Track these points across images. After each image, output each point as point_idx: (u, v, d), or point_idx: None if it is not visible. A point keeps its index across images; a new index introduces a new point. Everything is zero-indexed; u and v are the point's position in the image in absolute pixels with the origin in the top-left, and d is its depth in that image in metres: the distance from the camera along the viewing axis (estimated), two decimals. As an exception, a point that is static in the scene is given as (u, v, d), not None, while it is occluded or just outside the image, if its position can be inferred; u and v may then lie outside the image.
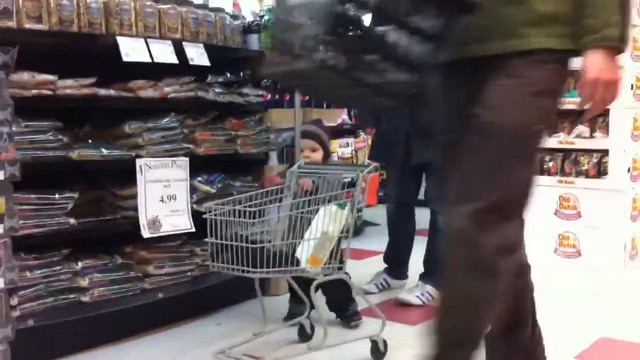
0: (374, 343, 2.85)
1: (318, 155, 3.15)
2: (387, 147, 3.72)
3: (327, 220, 2.58)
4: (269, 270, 2.52)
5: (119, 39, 3.04)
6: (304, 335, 3.03)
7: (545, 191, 4.59)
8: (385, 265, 3.92)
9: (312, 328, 3.04)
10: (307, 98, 4.19)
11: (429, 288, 3.62)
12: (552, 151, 4.71)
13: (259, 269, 2.50)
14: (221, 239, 2.56)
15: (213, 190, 3.45)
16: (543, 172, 4.71)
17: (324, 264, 2.62)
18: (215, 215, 2.60)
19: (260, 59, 3.87)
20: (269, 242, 2.66)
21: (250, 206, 2.64)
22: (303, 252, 2.59)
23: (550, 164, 4.72)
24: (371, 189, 5.43)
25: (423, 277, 3.68)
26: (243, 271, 2.54)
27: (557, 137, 4.67)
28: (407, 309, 3.52)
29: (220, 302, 3.51)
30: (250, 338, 2.96)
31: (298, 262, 2.57)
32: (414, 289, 3.65)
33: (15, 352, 2.46)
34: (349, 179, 2.70)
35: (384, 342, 2.86)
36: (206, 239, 2.62)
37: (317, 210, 2.67)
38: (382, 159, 3.84)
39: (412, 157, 3.58)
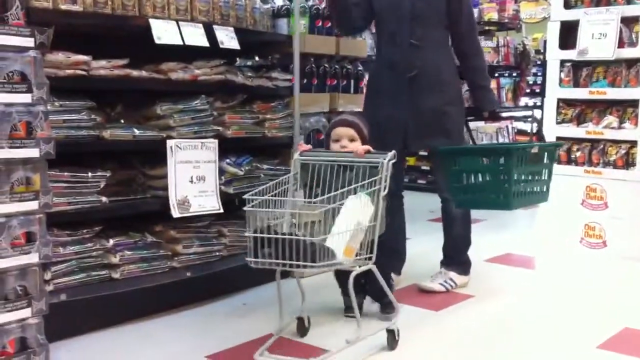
0: (390, 333, 2.82)
1: (356, 145, 2.82)
2: (382, 136, 3.39)
3: (359, 210, 2.51)
4: (314, 265, 2.40)
5: (152, 21, 3.08)
6: (302, 329, 2.97)
7: (572, 181, 4.57)
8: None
9: (309, 321, 2.99)
10: (334, 82, 4.20)
11: (452, 274, 3.64)
12: (580, 141, 4.68)
13: (309, 262, 2.39)
14: (261, 232, 2.43)
15: (241, 173, 3.49)
16: (570, 161, 4.69)
17: (355, 255, 2.56)
18: (253, 206, 2.50)
19: (289, 43, 3.90)
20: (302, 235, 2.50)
21: (278, 194, 2.63)
22: (337, 243, 2.48)
23: (578, 154, 4.69)
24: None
25: (444, 264, 3.69)
26: (292, 266, 2.42)
27: (585, 127, 4.64)
28: (430, 295, 3.53)
29: (247, 283, 3.56)
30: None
31: (334, 254, 2.46)
32: (437, 275, 3.65)
33: (48, 325, 2.53)
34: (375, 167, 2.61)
35: (398, 331, 2.85)
36: (246, 233, 2.48)
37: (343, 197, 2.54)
38: (377, 147, 3.69)
39: (410, 145, 3.46)
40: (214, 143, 3.32)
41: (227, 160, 3.46)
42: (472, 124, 6.05)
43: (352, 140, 2.84)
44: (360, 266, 2.59)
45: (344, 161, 2.69)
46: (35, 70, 2.55)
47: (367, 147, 2.75)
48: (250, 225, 2.47)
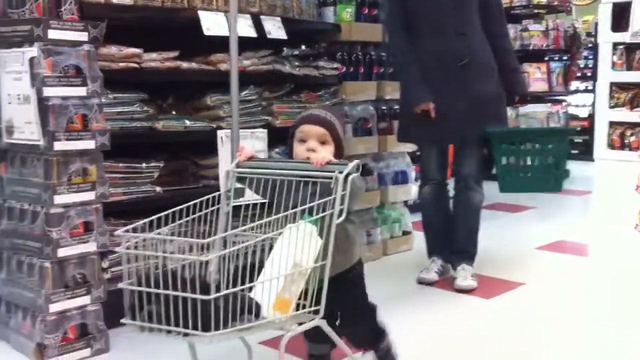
0: None
1: (327, 151, 2.03)
2: (433, 125, 3.34)
3: (300, 245, 1.76)
4: (222, 333, 1.66)
5: (201, 13, 3.12)
6: None
7: (625, 166, 4.46)
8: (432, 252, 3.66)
9: None
10: (381, 70, 4.18)
11: (470, 268, 3.48)
12: (634, 125, 4.56)
13: (199, 331, 1.63)
14: (147, 284, 1.65)
15: (289, 162, 3.52)
16: (624, 146, 4.58)
17: (296, 308, 1.82)
18: (137, 247, 1.73)
19: (336, 32, 3.90)
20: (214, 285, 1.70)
21: (184, 232, 1.91)
22: (265, 293, 1.75)
23: (632, 138, 4.56)
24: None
25: (461, 259, 3.51)
26: (181, 332, 1.66)
27: (639, 111, 4.52)
28: (480, 283, 3.50)
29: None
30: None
31: (259, 310, 1.73)
32: (461, 272, 3.45)
33: (107, 312, 2.61)
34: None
35: None
36: (121, 284, 1.72)
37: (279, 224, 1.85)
38: (418, 139, 3.59)
39: (462, 133, 3.36)
40: (263, 133, 3.35)
41: (276, 150, 3.49)
42: (521, 109, 5.99)
43: (323, 143, 2.04)
44: (300, 324, 1.86)
45: (289, 174, 1.94)
46: (90, 63, 2.63)
47: (327, 156, 1.95)
48: (128, 274, 1.71)
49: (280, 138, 3.51)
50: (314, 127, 2.05)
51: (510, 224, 4.95)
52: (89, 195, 2.59)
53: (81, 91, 2.59)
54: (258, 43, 3.42)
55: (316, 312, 1.88)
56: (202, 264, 1.75)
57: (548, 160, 3.16)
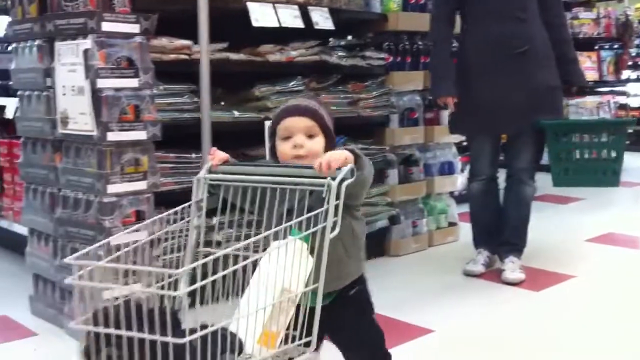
0: None
1: (317, 144, 1.75)
2: (482, 117, 3.29)
3: (289, 266, 1.49)
4: None
5: (249, 4, 3.14)
6: None
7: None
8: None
9: None
10: (428, 59, 4.14)
11: (519, 261, 3.44)
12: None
13: None
14: (106, 322, 1.33)
15: (336, 152, 3.52)
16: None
17: (284, 341, 1.52)
18: (92, 277, 1.38)
19: (383, 22, 3.89)
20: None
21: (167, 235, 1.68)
22: (249, 327, 1.45)
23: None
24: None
25: (509, 251, 3.46)
26: None
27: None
28: (530, 275, 3.45)
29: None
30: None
31: (242, 348, 1.46)
32: (509, 264, 3.40)
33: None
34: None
35: None
36: (72, 324, 1.39)
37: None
38: (471, 130, 3.47)
39: (515, 124, 3.29)
40: (309, 123, 3.35)
41: (323, 140, 3.50)
42: (570, 99, 5.85)
43: (310, 136, 1.74)
44: (291, 358, 1.57)
45: (272, 182, 1.60)
46: (142, 55, 2.67)
47: (339, 153, 1.57)
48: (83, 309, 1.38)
49: (327, 128, 3.54)
50: (297, 119, 1.73)
51: (560, 215, 4.87)
52: (141, 185, 2.64)
53: (133, 82, 2.63)
54: (305, 34, 3.43)
55: (307, 344, 1.54)
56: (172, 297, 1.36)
57: (605, 153, 3.06)
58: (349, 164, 1.54)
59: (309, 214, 1.49)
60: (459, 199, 4.46)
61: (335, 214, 1.50)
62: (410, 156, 4.01)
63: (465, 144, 4.21)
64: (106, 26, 2.57)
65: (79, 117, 2.62)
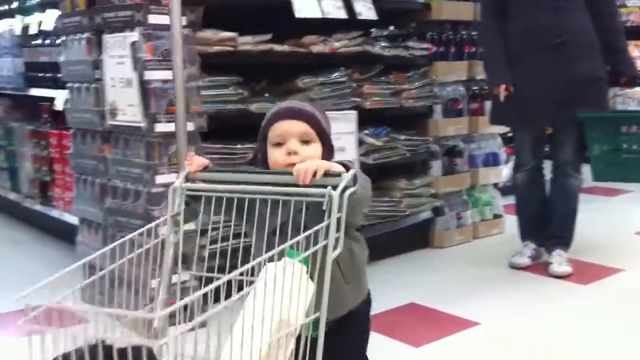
0: None
1: (312, 151, 1.54)
2: (523, 109, 3.22)
3: (287, 294, 1.27)
4: None
5: (292, -5, 3.14)
6: None
7: None
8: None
9: None
10: (472, 49, 4.10)
11: (566, 254, 3.37)
12: None
13: None
14: None
15: (379, 143, 3.52)
16: None
17: None
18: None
19: (426, 11, 3.85)
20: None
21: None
22: None
23: None
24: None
25: (556, 245, 3.40)
26: None
27: None
28: (575, 269, 3.39)
29: (386, 252, 3.60)
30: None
31: None
32: (556, 257, 3.34)
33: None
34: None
35: None
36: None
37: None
38: (516, 121, 3.39)
39: (558, 115, 3.21)
40: (353, 114, 3.35)
41: (366, 131, 3.49)
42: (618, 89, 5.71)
43: (305, 142, 1.54)
44: None
45: (260, 192, 1.41)
46: (188, 47, 2.69)
47: (324, 163, 1.39)
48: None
49: (370, 120, 3.53)
50: (291, 124, 1.54)
51: (608, 208, 4.77)
52: (188, 176, 2.67)
53: (180, 74, 2.66)
54: (348, 24, 3.42)
55: None
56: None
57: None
58: (350, 170, 1.34)
59: (308, 231, 1.27)
60: (504, 190, 4.41)
61: (338, 229, 1.29)
62: (454, 147, 3.98)
63: (510, 135, 4.15)
64: (153, 19, 2.61)
65: (127, 109, 2.66)
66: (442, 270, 3.46)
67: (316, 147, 1.54)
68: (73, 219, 3.36)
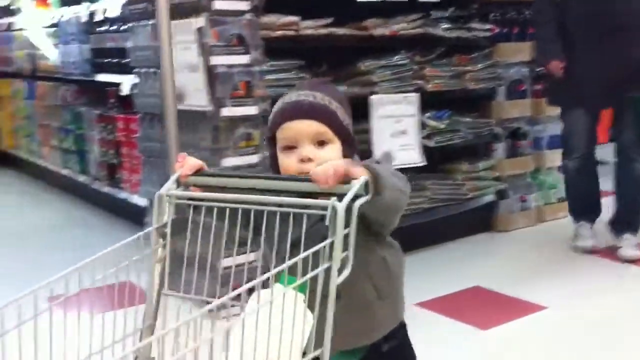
0: None
1: (330, 154, 1.28)
2: (581, 88, 3.18)
3: (278, 329, 1.06)
4: None
5: (354, -22, 3.14)
6: None
7: None
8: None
9: None
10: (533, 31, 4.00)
11: (634, 238, 3.30)
12: None
13: None
14: None
15: (442, 126, 3.49)
16: None
17: None
18: None
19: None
20: None
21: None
22: None
23: None
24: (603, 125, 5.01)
25: (621, 230, 3.33)
26: None
27: None
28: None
29: (451, 235, 3.58)
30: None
31: None
32: (627, 242, 3.27)
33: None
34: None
35: None
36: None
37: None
38: (568, 103, 3.34)
39: (616, 98, 3.16)
40: (415, 97, 3.33)
41: (428, 114, 3.47)
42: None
43: (321, 143, 1.29)
44: None
45: (259, 201, 1.15)
46: (251, 32, 2.73)
47: (337, 165, 1.11)
48: None
49: (432, 103, 3.50)
50: (301, 124, 1.28)
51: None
52: (254, 159, 2.72)
53: (244, 59, 2.70)
54: (407, 7, 3.39)
55: None
56: None
57: None
58: (361, 177, 1.09)
59: (307, 252, 1.04)
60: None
61: (345, 248, 1.06)
62: (518, 129, 3.91)
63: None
64: (218, 4, 2.64)
65: (193, 94, 2.71)
66: (506, 253, 3.43)
67: (334, 148, 1.29)
68: (141, 201, 3.46)
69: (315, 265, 1.05)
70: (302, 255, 1.05)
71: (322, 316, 1.05)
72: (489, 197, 3.75)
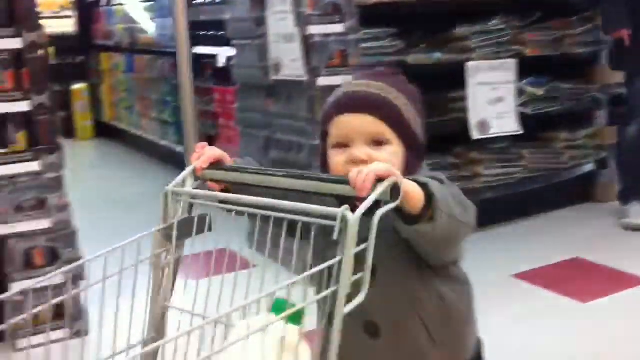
0: None
1: (387, 156, 1.08)
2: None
3: None
4: None
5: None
6: None
7: None
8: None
9: None
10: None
11: None
12: None
13: None
14: None
15: (541, 93, 3.39)
16: None
17: None
18: None
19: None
20: None
21: None
22: None
23: None
24: None
25: None
26: None
27: None
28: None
29: (547, 205, 3.50)
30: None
31: None
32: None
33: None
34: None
35: None
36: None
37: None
38: (636, 68, 3.25)
39: None
40: (512, 63, 3.25)
41: (526, 81, 3.38)
42: None
43: (378, 143, 1.10)
44: None
45: (279, 208, 0.96)
46: (347, 0, 2.72)
47: (387, 171, 0.90)
48: None
49: (531, 68, 3.40)
50: (355, 119, 1.10)
51: None
52: (349, 128, 2.73)
53: (340, 28, 2.70)
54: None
55: None
56: None
57: None
58: (389, 179, 0.89)
59: (305, 273, 0.88)
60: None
61: (360, 268, 0.87)
62: (621, 95, 3.74)
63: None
64: (314, -27, 2.65)
65: (290, 64, 2.75)
66: (606, 224, 3.31)
67: (393, 151, 1.09)
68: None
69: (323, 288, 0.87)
70: (298, 277, 0.87)
71: (324, 354, 0.87)
72: (589, 167, 3.62)
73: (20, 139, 2.33)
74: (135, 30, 5.63)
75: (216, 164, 1.09)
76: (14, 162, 2.28)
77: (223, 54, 3.76)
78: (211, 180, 1.09)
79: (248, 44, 3.06)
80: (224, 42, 3.61)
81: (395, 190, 0.89)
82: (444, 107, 3.25)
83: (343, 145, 1.10)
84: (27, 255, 2.32)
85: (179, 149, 4.80)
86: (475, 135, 3.15)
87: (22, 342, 2.04)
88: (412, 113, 1.12)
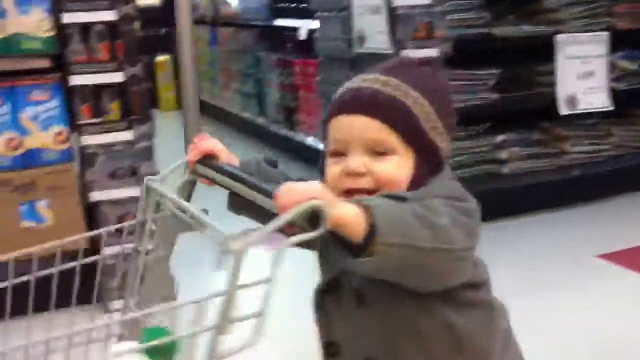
0: None
1: (391, 167, 0.92)
2: None
3: None
4: None
5: None
6: None
7: None
8: None
9: None
10: None
11: None
12: None
13: None
14: None
15: (634, 67, 3.25)
16: None
17: None
18: None
19: None
20: None
21: None
22: None
23: None
24: None
25: None
26: None
27: None
28: None
29: (636, 184, 3.36)
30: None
31: None
32: None
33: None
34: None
35: None
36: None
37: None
38: None
39: None
40: (604, 36, 3.12)
41: (619, 55, 3.24)
42: None
43: (380, 153, 0.92)
44: None
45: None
46: (433, -28, 2.68)
47: (313, 192, 0.75)
48: None
49: (624, 42, 3.26)
50: (356, 121, 0.93)
51: None
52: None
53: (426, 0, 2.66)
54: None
55: None
56: None
57: None
58: (309, 202, 0.73)
59: (193, 300, 0.72)
60: None
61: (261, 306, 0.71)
62: None
63: None
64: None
65: (375, 36, 2.73)
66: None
67: (399, 161, 0.92)
68: (316, 143, 3.57)
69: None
70: (185, 302, 0.73)
71: None
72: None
73: (114, 108, 2.41)
74: (219, 3, 5.72)
75: (210, 158, 1.00)
76: (108, 132, 2.37)
77: (305, 26, 3.77)
78: (201, 176, 1.00)
79: (332, 16, 3.06)
80: (306, 14, 3.62)
81: (315, 216, 0.72)
82: (531, 80, 3.16)
83: (339, 153, 0.93)
84: (119, 221, 2.42)
85: (259, 120, 4.87)
86: (564, 110, 3.06)
87: (113, 304, 2.14)
88: (428, 113, 0.92)
